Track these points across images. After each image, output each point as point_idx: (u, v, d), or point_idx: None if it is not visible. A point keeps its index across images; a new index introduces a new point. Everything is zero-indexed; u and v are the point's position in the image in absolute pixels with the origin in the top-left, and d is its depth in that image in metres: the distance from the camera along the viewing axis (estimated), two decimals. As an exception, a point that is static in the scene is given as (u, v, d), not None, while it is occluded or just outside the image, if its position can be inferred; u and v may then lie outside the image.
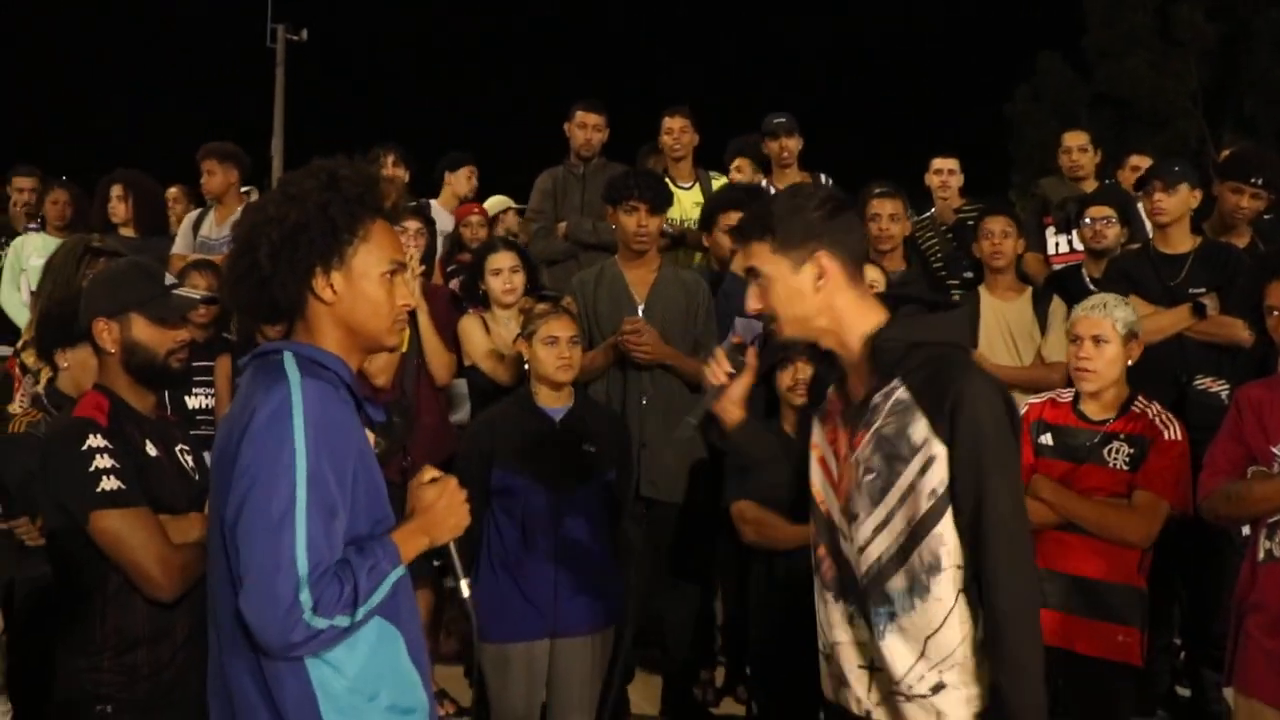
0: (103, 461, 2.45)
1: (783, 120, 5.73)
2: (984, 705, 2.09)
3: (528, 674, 3.50)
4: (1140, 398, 3.44)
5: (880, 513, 2.13)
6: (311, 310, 1.98)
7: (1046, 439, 3.44)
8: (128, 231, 5.97)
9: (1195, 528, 3.54)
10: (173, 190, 6.87)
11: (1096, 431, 3.38)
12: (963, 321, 2.24)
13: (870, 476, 2.13)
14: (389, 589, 1.88)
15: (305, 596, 1.77)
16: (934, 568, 2.08)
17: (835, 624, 2.25)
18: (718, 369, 2.38)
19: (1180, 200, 4.48)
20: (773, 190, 5.63)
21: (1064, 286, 4.79)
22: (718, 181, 5.78)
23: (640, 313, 4.36)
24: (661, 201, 4.45)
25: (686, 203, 5.54)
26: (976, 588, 2.09)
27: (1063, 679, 3.23)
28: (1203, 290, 4.35)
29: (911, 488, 2.08)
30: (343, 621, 1.81)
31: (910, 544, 2.10)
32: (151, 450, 2.60)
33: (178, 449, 2.72)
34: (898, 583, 2.11)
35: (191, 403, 4.68)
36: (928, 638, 2.09)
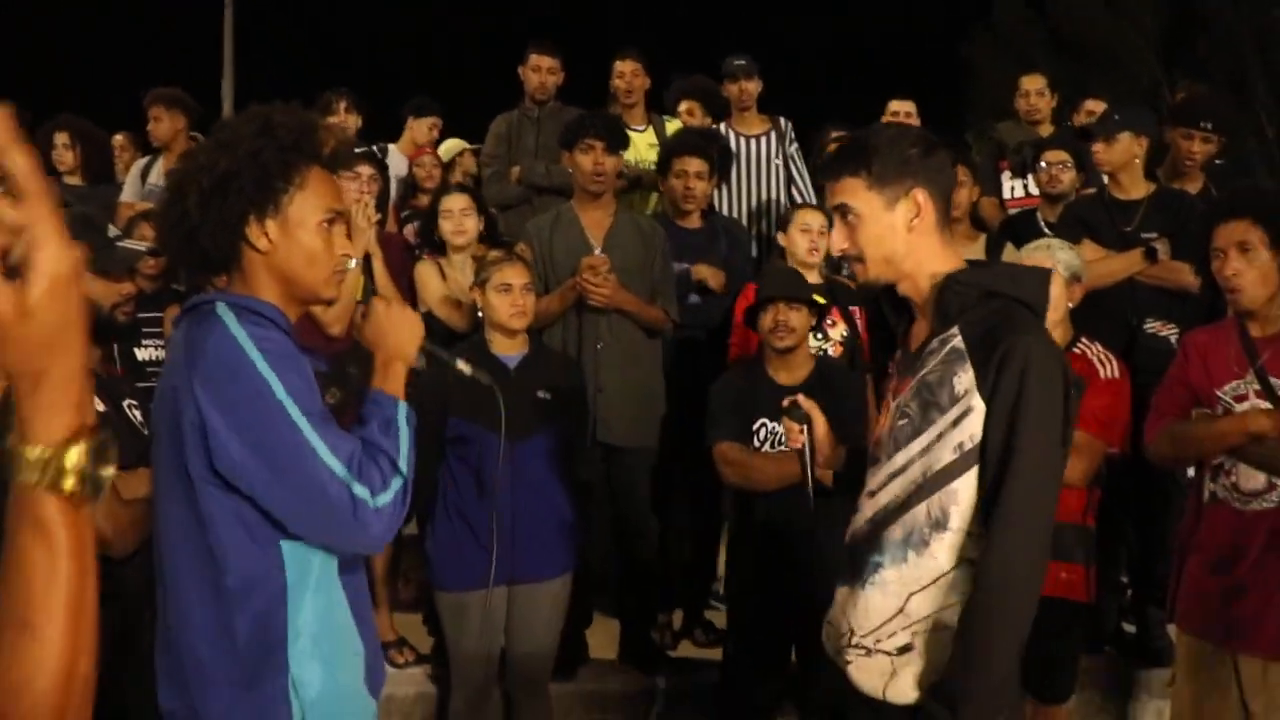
0: None
1: (742, 63, 5.65)
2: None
3: (484, 621, 3.50)
4: (1083, 339, 3.47)
5: (900, 459, 2.06)
6: (247, 260, 1.93)
7: None
8: (74, 180, 5.82)
9: (1143, 469, 3.60)
10: (119, 137, 6.70)
11: None
12: (1042, 282, 2.12)
13: (903, 422, 2.07)
14: (408, 430, 1.91)
15: (359, 490, 1.79)
16: (939, 524, 2.00)
17: (841, 569, 2.21)
18: (794, 435, 2.39)
19: (1122, 149, 4.50)
20: (731, 134, 5.59)
21: (1019, 231, 4.82)
22: (671, 125, 5.72)
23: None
24: (618, 141, 4.39)
25: (641, 145, 5.49)
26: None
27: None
28: (1154, 235, 4.38)
29: (939, 437, 2.00)
30: (398, 483, 1.84)
31: (920, 494, 2.02)
32: (99, 405, 2.55)
33: (125, 404, 2.69)
34: (895, 533, 2.04)
35: (141, 354, 4.60)
36: (911, 594, 2.02)
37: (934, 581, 2.00)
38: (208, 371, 1.79)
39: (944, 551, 2.00)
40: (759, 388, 3.72)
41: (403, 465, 1.85)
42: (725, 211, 5.45)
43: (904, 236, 2.08)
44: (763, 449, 3.72)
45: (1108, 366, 3.38)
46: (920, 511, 2.01)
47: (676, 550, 4.69)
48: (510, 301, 3.54)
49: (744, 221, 5.44)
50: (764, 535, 3.64)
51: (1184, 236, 4.32)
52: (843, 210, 2.11)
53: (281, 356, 1.83)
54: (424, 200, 5.72)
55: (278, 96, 1.99)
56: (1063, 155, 4.93)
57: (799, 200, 5.48)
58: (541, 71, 5.67)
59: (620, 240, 4.36)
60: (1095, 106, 6.35)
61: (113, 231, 2.74)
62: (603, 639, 4.55)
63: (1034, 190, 5.29)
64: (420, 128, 6.49)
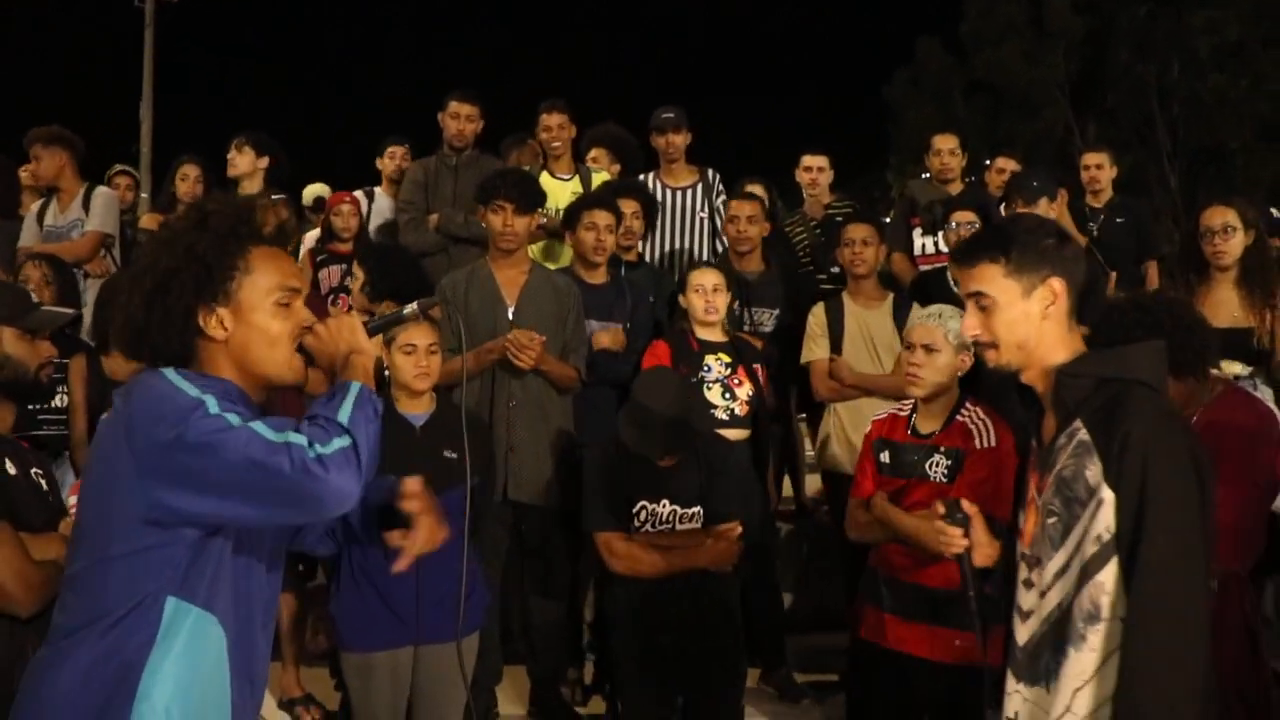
0: None
1: (670, 115, 5.67)
2: None
3: (392, 682, 3.48)
4: (967, 404, 3.46)
5: (1061, 557, 2.10)
6: (203, 350, 1.94)
7: (885, 456, 3.52)
8: (-25, 214, 5.68)
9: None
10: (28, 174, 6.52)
11: (921, 446, 3.46)
12: (1156, 356, 2.16)
13: (1053, 520, 2.11)
14: (353, 398, 1.85)
15: (295, 438, 1.74)
16: (1093, 616, 2.04)
17: (1009, 676, 2.24)
18: (953, 540, 2.40)
19: (1039, 214, 4.62)
20: (658, 186, 5.61)
21: (930, 290, 4.91)
22: (599, 176, 5.74)
23: (511, 314, 4.34)
24: (529, 201, 4.40)
25: (564, 195, 5.49)
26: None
27: (906, 684, 3.37)
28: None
29: (1085, 532, 2.05)
30: (342, 440, 1.77)
31: (1077, 591, 2.06)
32: (10, 468, 2.55)
33: (32, 471, 2.68)
34: (1065, 630, 2.08)
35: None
36: (1076, 690, 2.05)
37: (1094, 674, 2.04)
38: (137, 402, 1.82)
39: (1099, 641, 2.04)
40: (634, 466, 3.69)
41: (343, 421, 1.80)
42: (650, 261, 5.48)
43: (1038, 324, 2.14)
44: (643, 530, 3.71)
45: (984, 437, 3.37)
46: (1079, 607, 2.06)
47: (586, 604, 4.68)
48: (414, 362, 3.52)
49: (667, 272, 5.47)
50: (642, 602, 3.66)
51: (1086, 299, 4.45)
52: (978, 297, 2.16)
53: (211, 385, 1.84)
54: (342, 247, 5.69)
55: (196, 117, 1.98)
56: (970, 215, 5.05)
57: (721, 252, 5.54)
58: (460, 119, 5.67)
59: (534, 297, 4.37)
60: (1006, 164, 6.55)
61: (33, 298, 2.72)
62: (513, 695, 4.52)
63: (945, 248, 5.41)
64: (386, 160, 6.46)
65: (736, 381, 4.34)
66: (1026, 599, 2.20)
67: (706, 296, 4.45)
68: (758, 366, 4.55)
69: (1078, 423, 2.09)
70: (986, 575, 2.49)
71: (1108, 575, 2.03)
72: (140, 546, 1.81)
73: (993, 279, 2.14)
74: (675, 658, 3.61)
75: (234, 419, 1.76)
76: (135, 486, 1.78)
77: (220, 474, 1.74)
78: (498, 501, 4.12)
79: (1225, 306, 4.20)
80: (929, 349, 3.42)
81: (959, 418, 3.44)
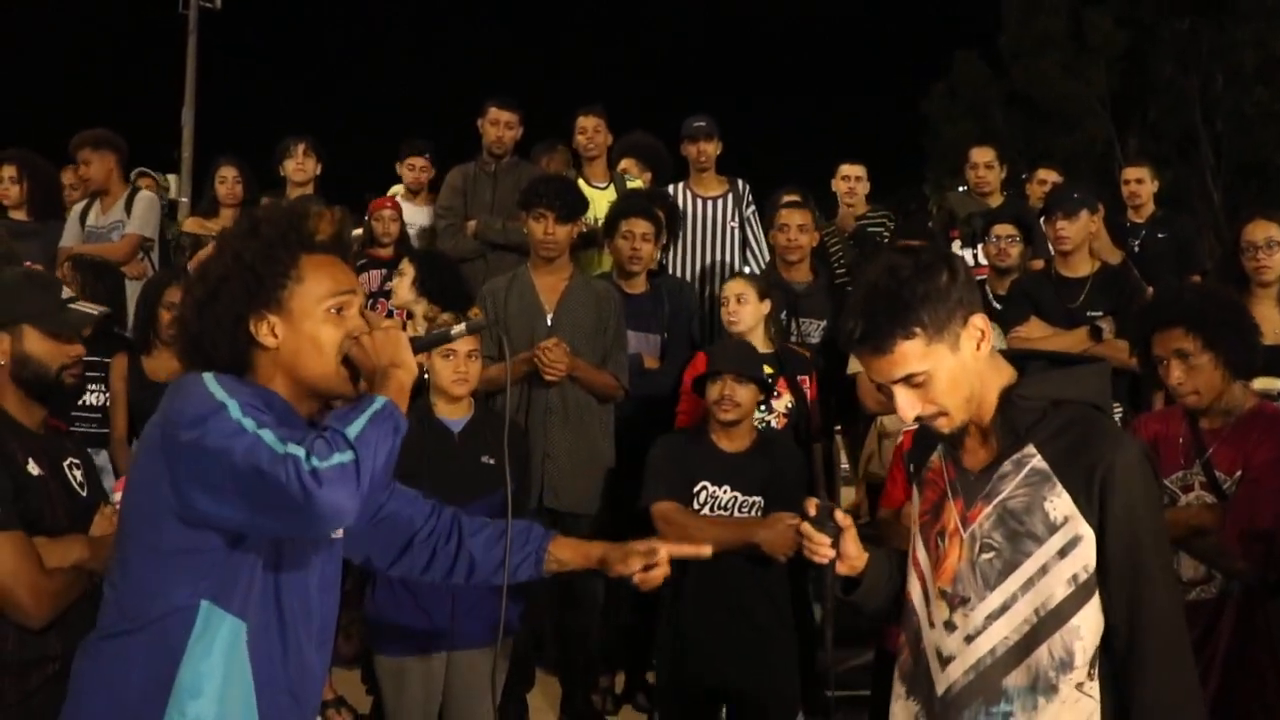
0: None
1: (702, 124, 5.64)
2: None
3: (424, 687, 3.48)
4: None
5: (997, 598, 1.92)
6: (257, 359, 1.93)
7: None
8: (19, 214, 5.76)
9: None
10: (69, 175, 6.62)
11: None
12: (1103, 378, 2.00)
13: (988, 556, 1.93)
14: (369, 414, 1.79)
15: (296, 450, 1.70)
16: (1065, 665, 1.87)
17: (905, 715, 2.06)
18: (820, 549, 2.11)
19: (1081, 227, 4.60)
20: (688, 195, 5.61)
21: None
22: (634, 184, 5.74)
23: (549, 322, 4.34)
24: (571, 210, 4.41)
25: (601, 203, 5.50)
26: (1109, 686, 1.89)
27: None
28: (1100, 314, 4.47)
29: (1043, 570, 1.88)
30: (344, 456, 1.72)
31: (1037, 636, 1.88)
32: (33, 469, 2.51)
33: (66, 464, 2.65)
34: (1017, 679, 1.89)
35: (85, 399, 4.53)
36: None
37: None
38: (169, 403, 1.83)
39: (1070, 691, 1.87)
40: (701, 452, 3.71)
41: (351, 436, 1.75)
42: (678, 273, 5.47)
43: (974, 367, 1.92)
44: (701, 512, 3.70)
45: None
46: (1043, 654, 1.88)
47: (619, 613, 4.66)
48: (453, 367, 3.53)
49: (697, 283, 5.45)
50: (693, 598, 3.60)
51: (1127, 315, 4.41)
52: (908, 379, 1.90)
53: (242, 388, 1.83)
54: (382, 252, 5.72)
55: (240, 124, 1.99)
56: (1010, 229, 5.02)
57: (752, 262, 5.52)
58: (500, 125, 5.70)
59: (573, 305, 4.37)
60: (1048, 176, 6.49)
61: (65, 293, 2.69)
62: (544, 702, 4.52)
63: (984, 260, 5.37)
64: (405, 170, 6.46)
65: (775, 394, 4.31)
66: (947, 643, 1.99)
67: (730, 307, 4.45)
68: (804, 378, 4.52)
69: (1030, 448, 1.92)
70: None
71: (1084, 619, 1.87)
72: (173, 546, 1.82)
73: (919, 356, 1.87)
74: (720, 666, 3.57)
75: (250, 424, 1.74)
76: (166, 486, 1.79)
77: (226, 478, 1.73)
78: (533, 509, 4.12)
79: (1268, 323, 4.11)
80: None
81: None
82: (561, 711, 4.44)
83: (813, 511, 2.13)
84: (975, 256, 5.67)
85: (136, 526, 1.87)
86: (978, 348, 1.91)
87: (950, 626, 1.98)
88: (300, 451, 1.70)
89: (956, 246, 5.81)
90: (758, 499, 3.64)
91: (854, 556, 2.15)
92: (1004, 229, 5.02)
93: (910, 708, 2.06)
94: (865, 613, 2.27)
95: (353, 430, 1.76)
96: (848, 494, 5.68)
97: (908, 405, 1.92)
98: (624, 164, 5.91)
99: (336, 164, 6.47)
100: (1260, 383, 3.72)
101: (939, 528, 2.04)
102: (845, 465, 5.59)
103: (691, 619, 3.61)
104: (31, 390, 2.56)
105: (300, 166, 6.03)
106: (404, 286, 4.46)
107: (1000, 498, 1.93)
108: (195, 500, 1.77)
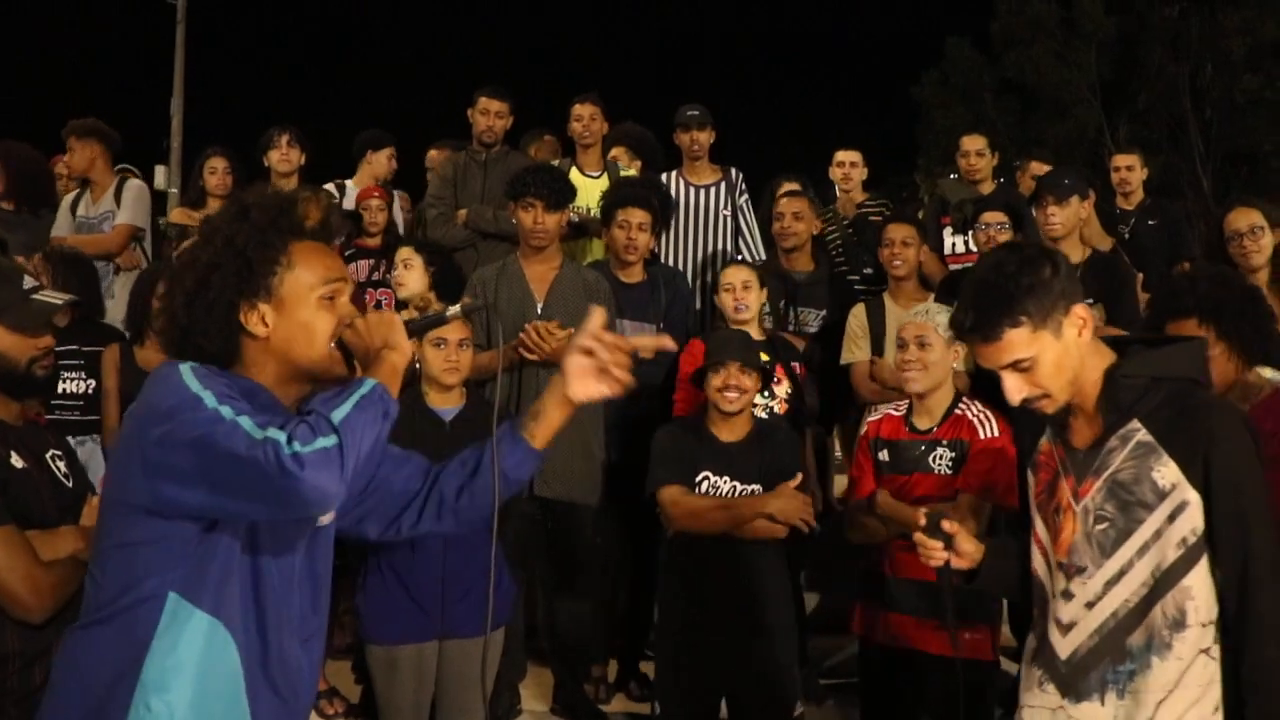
0: None
1: (695, 113, 5.62)
2: None
3: (416, 675, 3.49)
4: (964, 400, 3.52)
5: (1113, 565, 2.06)
6: (246, 348, 1.91)
7: (884, 455, 3.55)
8: (5, 204, 5.71)
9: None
10: (60, 164, 6.58)
11: (922, 440, 3.49)
12: (1199, 354, 2.17)
13: (1103, 526, 2.07)
14: (356, 398, 1.77)
15: (277, 434, 1.68)
16: (1178, 623, 2.02)
17: (1029, 688, 2.20)
18: (934, 553, 2.32)
19: (1071, 213, 4.59)
20: (681, 183, 5.59)
21: (958, 290, 4.85)
22: (627, 173, 5.72)
23: (540, 311, 4.33)
24: (559, 199, 4.40)
25: (594, 191, 5.48)
26: (1219, 647, 2.02)
27: (921, 681, 3.37)
28: (1090, 301, 4.45)
29: (1157, 535, 2.02)
30: (328, 440, 1.70)
31: (1153, 597, 2.03)
32: (17, 462, 2.48)
33: (49, 455, 2.61)
34: (1138, 638, 2.04)
35: (58, 386, 4.49)
36: (1160, 702, 2.02)
37: (1179, 682, 2.02)
38: (145, 394, 1.81)
39: (1185, 649, 2.02)
40: (701, 441, 3.71)
41: (336, 419, 1.73)
42: (671, 262, 5.45)
43: (1077, 353, 2.09)
44: None
45: (986, 427, 3.42)
46: (1157, 614, 2.03)
47: (612, 603, 4.67)
48: (444, 356, 3.53)
49: (690, 272, 5.44)
50: (694, 588, 3.62)
51: (1118, 302, 4.41)
52: (1017, 366, 2.08)
53: (222, 388, 1.79)
54: (370, 241, 5.70)
55: (227, 114, 1.96)
56: (1000, 216, 5.01)
57: (744, 251, 5.50)
58: (490, 115, 5.67)
59: (563, 294, 4.37)
60: (1040, 169, 6.49)
61: (28, 283, 2.62)
62: (536, 691, 4.52)
63: (974, 247, 5.37)
64: (379, 161, 6.45)
65: (775, 380, 4.30)
66: (1067, 610, 2.14)
67: (736, 294, 4.43)
68: (796, 365, 4.51)
69: (1135, 423, 2.06)
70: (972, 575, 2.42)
71: (1195, 579, 2.01)
72: (142, 538, 1.80)
73: (1025, 342, 2.06)
74: (721, 656, 3.57)
75: (227, 412, 1.72)
76: (139, 477, 1.78)
77: (203, 467, 1.71)
78: (524, 497, 4.11)
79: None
80: (922, 344, 3.46)
81: (958, 411, 3.49)
82: (554, 700, 4.44)
83: (923, 522, 2.35)
84: (966, 243, 5.67)
85: (111, 518, 1.86)
86: (1080, 334, 2.07)
87: (1068, 595, 2.13)
88: (281, 436, 1.68)
89: (948, 233, 5.81)
90: (756, 486, 3.65)
91: (970, 553, 2.33)
92: (994, 216, 5.01)
93: (1033, 673, 2.19)
94: (992, 595, 2.54)
95: (338, 414, 1.74)
96: (840, 481, 5.68)
97: (1014, 389, 2.09)
98: (614, 152, 5.88)
99: (332, 154, 6.46)
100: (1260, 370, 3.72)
101: (1054, 504, 2.18)
102: (839, 454, 5.59)
103: (690, 611, 3.62)
104: (2, 386, 2.51)
105: (285, 157, 6.00)
106: (415, 278, 4.45)
107: (1110, 471, 2.08)
108: (167, 491, 1.75)
